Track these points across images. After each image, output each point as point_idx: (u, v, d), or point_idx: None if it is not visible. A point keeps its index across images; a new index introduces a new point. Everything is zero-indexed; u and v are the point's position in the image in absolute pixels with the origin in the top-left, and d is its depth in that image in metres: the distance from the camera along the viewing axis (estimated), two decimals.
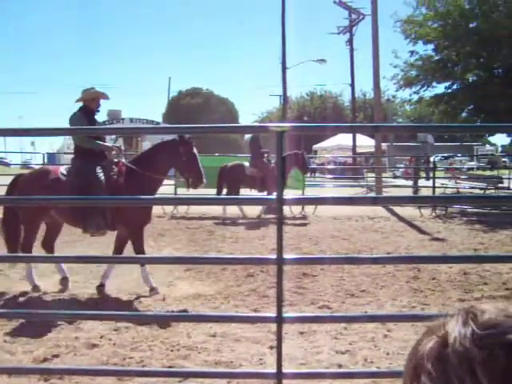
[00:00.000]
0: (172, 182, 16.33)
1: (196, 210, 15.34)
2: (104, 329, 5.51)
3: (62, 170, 7.59)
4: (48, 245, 7.82)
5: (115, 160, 7.63)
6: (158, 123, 46.36)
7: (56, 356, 4.87)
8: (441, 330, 0.92)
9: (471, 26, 19.98)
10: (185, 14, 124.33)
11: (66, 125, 7.34)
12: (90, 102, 7.66)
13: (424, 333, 0.97)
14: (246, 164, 15.37)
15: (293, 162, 16.40)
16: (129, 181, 7.38)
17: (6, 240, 7.58)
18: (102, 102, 7.85)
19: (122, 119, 45.24)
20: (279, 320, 2.79)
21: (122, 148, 8.28)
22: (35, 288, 7.29)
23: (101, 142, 7.62)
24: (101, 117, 51.34)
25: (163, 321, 5.71)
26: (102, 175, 7.35)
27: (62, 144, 41.16)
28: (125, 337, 5.35)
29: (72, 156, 8.04)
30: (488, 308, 0.94)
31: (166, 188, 15.99)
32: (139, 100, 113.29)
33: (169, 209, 15.43)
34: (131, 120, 44.87)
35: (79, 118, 7.48)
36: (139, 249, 7.38)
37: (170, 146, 7.64)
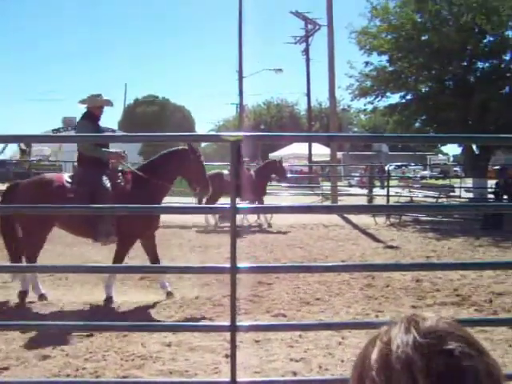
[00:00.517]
0: None
1: None
2: (56, 339, 5.42)
3: (67, 177, 7.42)
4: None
5: (119, 168, 7.60)
6: (113, 131, 45.83)
7: (5, 369, 4.75)
8: (384, 337, 0.95)
9: (423, 38, 20.37)
10: (141, 20, 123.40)
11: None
12: (95, 109, 7.62)
13: (369, 341, 0.99)
14: (225, 172, 15.32)
15: (271, 170, 16.57)
16: (137, 188, 7.35)
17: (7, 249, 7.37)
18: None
19: None
20: (233, 329, 2.79)
21: (126, 153, 8.17)
22: (42, 297, 7.07)
23: (107, 150, 7.54)
24: (56, 124, 50.55)
25: (117, 330, 5.65)
26: (108, 183, 7.25)
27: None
28: (78, 347, 5.27)
29: (76, 163, 7.86)
30: (430, 316, 0.97)
31: None
32: None
33: None
34: None
35: (84, 125, 7.47)
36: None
37: (181, 154, 7.62)
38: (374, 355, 0.94)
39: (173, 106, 65.92)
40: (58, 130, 40.98)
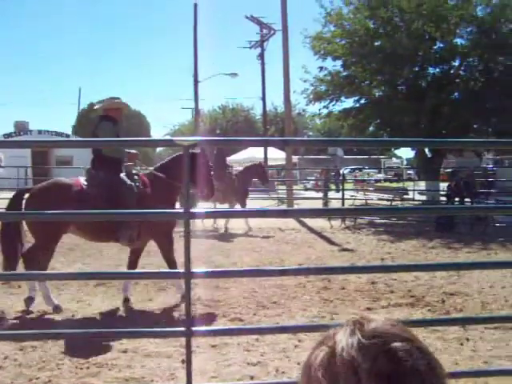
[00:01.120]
0: None
1: None
2: (8, 349, 5.29)
3: (83, 181, 7.33)
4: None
5: (133, 171, 7.64)
6: (67, 136, 45.04)
7: None
8: (330, 341, 0.97)
9: (376, 44, 20.68)
10: (95, 23, 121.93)
11: None
12: (114, 112, 7.63)
13: (315, 345, 1.01)
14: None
15: (253, 174, 16.51)
16: (155, 191, 7.47)
17: (5, 256, 7.09)
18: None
19: (30, 131, 43.60)
20: (188, 334, 2.78)
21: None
22: (57, 308, 6.83)
23: (126, 150, 7.58)
24: (7, 128, 49.41)
25: (72, 338, 5.56)
26: (132, 184, 7.31)
27: None
28: (31, 356, 5.17)
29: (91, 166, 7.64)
30: (375, 318, 0.99)
31: None
32: (47, 111, 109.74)
33: None
34: (39, 132, 43.34)
35: (108, 126, 7.42)
36: (170, 258, 7.45)
37: (192, 157, 7.53)
38: (320, 359, 0.96)
39: (128, 111, 65.31)
40: (9, 135, 40.02)
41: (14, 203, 7.09)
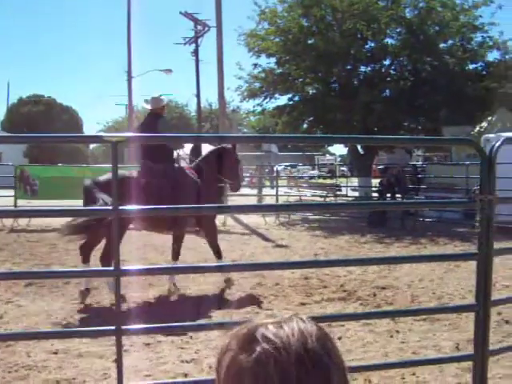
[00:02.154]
0: (12, 192, 15.55)
1: (38, 222, 14.63)
2: None
3: (136, 173, 7.89)
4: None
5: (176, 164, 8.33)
6: None
7: None
8: (229, 344, 1.02)
9: (309, 42, 20.92)
10: (25, 16, 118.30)
11: None
12: (161, 109, 8.41)
13: (222, 346, 1.05)
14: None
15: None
16: (205, 183, 8.12)
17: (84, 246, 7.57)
18: None
19: None
20: (118, 332, 2.73)
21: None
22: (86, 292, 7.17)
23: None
24: None
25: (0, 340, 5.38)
26: (194, 177, 8.06)
27: None
28: None
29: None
30: (280, 317, 1.05)
31: (6, 200, 15.14)
32: None
33: (8, 222, 14.58)
34: None
35: (166, 122, 8.59)
36: (216, 244, 8.26)
37: (228, 151, 8.55)
38: (219, 361, 1.02)
39: (59, 106, 63.75)
40: None
41: (90, 197, 7.23)
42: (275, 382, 0.93)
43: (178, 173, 8.01)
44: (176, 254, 8.13)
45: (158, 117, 8.20)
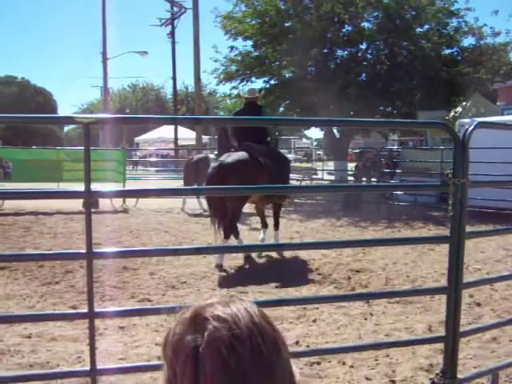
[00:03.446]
0: None
1: (11, 205, 14.48)
2: None
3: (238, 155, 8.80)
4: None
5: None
6: None
7: None
8: (173, 329, 1.08)
9: (286, 25, 20.83)
10: None
11: None
12: (256, 98, 9.88)
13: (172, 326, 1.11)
14: (211, 156, 15.66)
15: None
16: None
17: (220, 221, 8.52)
18: None
19: None
20: (91, 315, 2.72)
21: None
22: (220, 267, 7.99)
23: None
24: None
25: None
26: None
27: None
28: None
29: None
30: (215, 302, 1.10)
31: None
32: None
33: None
34: None
35: (266, 110, 10.37)
36: (279, 216, 10.21)
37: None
38: (165, 347, 1.09)
39: (33, 88, 62.94)
40: None
41: (218, 177, 8.16)
42: (230, 355, 0.97)
43: (275, 152, 9.64)
44: (277, 224, 9.98)
45: (256, 105, 9.66)
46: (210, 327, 1.01)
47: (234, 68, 22.22)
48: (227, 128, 13.73)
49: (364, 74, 21.58)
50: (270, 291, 6.91)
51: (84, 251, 2.71)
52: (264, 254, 9.17)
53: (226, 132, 14.79)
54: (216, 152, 15.58)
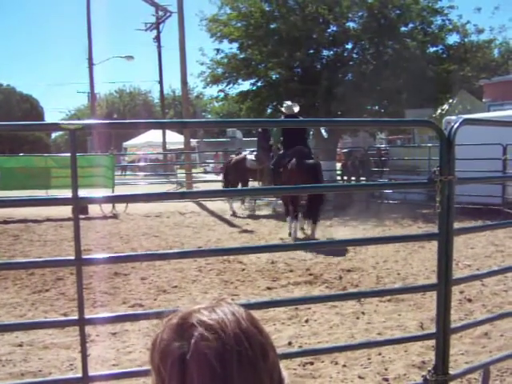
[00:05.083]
0: None
1: (0, 213, 14.38)
2: None
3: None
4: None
5: None
6: None
7: None
8: (160, 334, 1.10)
9: (272, 26, 20.83)
10: None
11: None
12: (296, 114, 11.75)
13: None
14: (249, 157, 15.81)
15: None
16: None
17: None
18: None
19: None
20: (81, 322, 2.70)
21: None
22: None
23: None
24: None
25: None
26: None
27: None
28: None
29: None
30: (201, 307, 1.10)
31: None
32: None
33: None
34: None
35: None
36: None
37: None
38: (152, 353, 1.10)
39: (19, 95, 62.64)
40: None
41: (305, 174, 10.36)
42: (216, 362, 0.97)
43: (311, 153, 11.59)
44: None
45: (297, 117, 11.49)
46: (197, 334, 1.00)
47: (220, 71, 22.19)
48: (267, 130, 14.05)
49: (350, 74, 21.61)
50: (262, 293, 6.91)
51: (73, 258, 2.70)
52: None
53: (265, 134, 14.82)
54: (255, 151, 16.18)
